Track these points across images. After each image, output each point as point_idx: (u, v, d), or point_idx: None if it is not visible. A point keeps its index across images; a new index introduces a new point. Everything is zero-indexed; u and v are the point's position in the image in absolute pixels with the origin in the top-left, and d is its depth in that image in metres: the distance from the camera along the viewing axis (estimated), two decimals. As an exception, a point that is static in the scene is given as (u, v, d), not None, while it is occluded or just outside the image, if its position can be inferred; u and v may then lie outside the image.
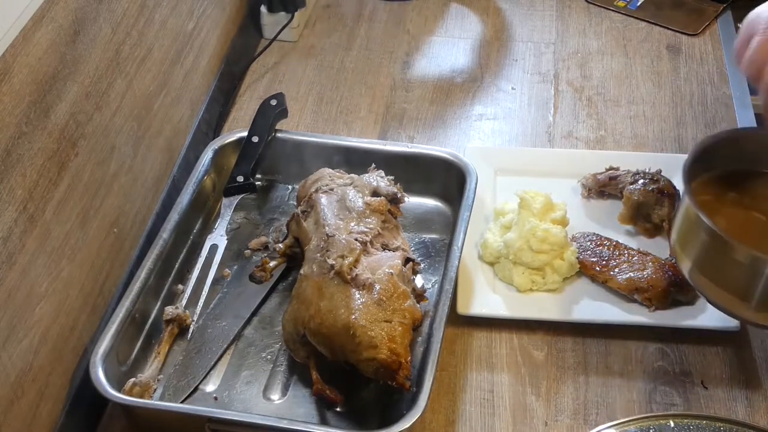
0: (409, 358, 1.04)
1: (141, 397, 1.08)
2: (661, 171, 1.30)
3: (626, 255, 1.22)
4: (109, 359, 1.07)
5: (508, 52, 1.65)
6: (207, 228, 1.30)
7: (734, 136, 1.14)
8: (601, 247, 1.24)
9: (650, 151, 1.41)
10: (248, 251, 1.27)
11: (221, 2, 1.53)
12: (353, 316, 1.04)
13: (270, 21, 1.64)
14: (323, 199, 1.18)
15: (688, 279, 1.09)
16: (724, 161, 1.10)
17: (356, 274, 1.07)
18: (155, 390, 1.11)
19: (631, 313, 1.18)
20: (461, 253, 1.18)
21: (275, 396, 1.11)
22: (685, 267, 1.08)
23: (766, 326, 1.11)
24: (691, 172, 1.05)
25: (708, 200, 1.06)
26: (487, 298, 1.21)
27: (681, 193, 1.05)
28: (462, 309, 1.18)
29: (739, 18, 1.70)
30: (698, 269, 1.06)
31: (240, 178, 1.30)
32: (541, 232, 1.21)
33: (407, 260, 1.14)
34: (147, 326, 1.17)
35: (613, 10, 1.72)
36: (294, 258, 1.22)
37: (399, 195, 1.21)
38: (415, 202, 1.30)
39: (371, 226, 1.15)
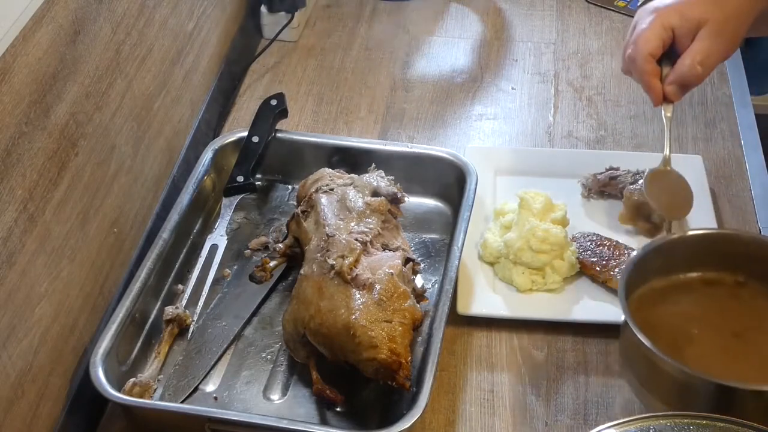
0: (410, 358, 1.04)
1: (141, 397, 1.08)
2: (661, 171, 1.30)
3: (626, 255, 1.22)
4: (109, 359, 1.07)
5: (508, 52, 1.65)
6: (207, 228, 1.30)
7: (659, 245, 1.10)
8: (601, 247, 1.24)
9: (650, 151, 1.41)
10: (248, 251, 1.27)
11: (221, 2, 1.53)
12: (353, 316, 1.04)
13: (270, 21, 1.64)
14: (323, 199, 1.18)
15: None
16: (656, 271, 1.08)
17: (356, 274, 1.07)
18: (155, 390, 1.11)
19: (631, 313, 1.18)
20: (461, 253, 1.18)
21: (275, 396, 1.11)
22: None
23: None
24: (628, 287, 1.03)
25: (645, 315, 1.03)
26: (487, 298, 1.21)
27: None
28: (462, 309, 1.18)
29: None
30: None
31: (240, 178, 1.30)
32: (541, 232, 1.21)
33: (407, 260, 1.14)
34: (147, 326, 1.17)
35: (613, 10, 1.72)
36: (294, 258, 1.22)
37: (399, 195, 1.21)
38: (415, 202, 1.30)
39: (371, 226, 1.15)
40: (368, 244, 1.12)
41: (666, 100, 1.16)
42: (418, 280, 1.21)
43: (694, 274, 1.09)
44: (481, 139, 1.48)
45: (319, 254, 1.11)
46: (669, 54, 1.16)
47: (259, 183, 1.36)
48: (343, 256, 1.09)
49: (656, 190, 1.22)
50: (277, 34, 1.62)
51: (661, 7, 1.15)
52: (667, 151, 1.22)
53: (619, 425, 0.96)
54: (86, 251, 1.11)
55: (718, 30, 1.12)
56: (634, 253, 1.08)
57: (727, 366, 1.01)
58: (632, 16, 1.68)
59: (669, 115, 1.17)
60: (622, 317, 1.01)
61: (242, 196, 1.31)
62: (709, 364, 0.99)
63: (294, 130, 1.42)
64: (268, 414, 1.08)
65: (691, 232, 1.11)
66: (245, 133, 1.34)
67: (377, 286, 1.07)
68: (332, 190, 1.20)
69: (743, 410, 0.93)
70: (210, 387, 1.12)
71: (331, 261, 1.09)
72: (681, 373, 0.96)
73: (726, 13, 1.12)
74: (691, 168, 1.34)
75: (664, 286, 1.08)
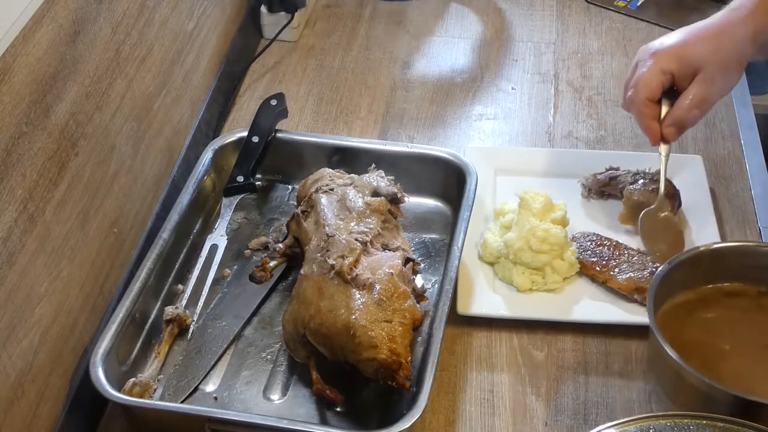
0: (410, 358, 1.04)
1: (141, 397, 1.08)
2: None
3: (626, 255, 1.23)
4: (109, 359, 1.07)
5: (508, 52, 1.65)
6: (207, 228, 1.30)
7: (683, 260, 1.09)
8: (601, 247, 1.24)
9: (650, 151, 1.41)
10: (248, 251, 1.27)
11: (221, 2, 1.53)
12: (353, 316, 1.04)
13: (270, 21, 1.64)
14: (323, 199, 1.18)
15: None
16: (680, 285, 1.08)
17: (356, 274, 1.07)
18: (155, 390, 1.11)
19: (631, 313, 1.18)
20: (461, 253, 1.18)
21: (275, 396, 1.11)
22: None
23: None
24: (655, 304, 1.03)
25: (674, 332, 1.02)
26: (487, 298, 1.21)
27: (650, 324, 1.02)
28: (462, 309, 1.18)
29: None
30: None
31: (240, 178, 1.30)
32: (541, 232, 1.21)
33: (407, 260, 1.14)
34: (147, 326, 1.17)
35: (613, 10, 1.72)
36: (294, 258, 1.22)
37: (399, 195, 1.21)
38: (415, 202, 1.30)
39: (371, 226, 1.15)
40: (368, 244, 1.12)
41: (663, 140, 1.20)
42: (418, 280, 1.21)
43: (716, 287, 1.10)
44: (481, 139, 1.48)
45: (319, 254, 1.11)
46: (669, 92, 1.19)
47: (259, 183, 1.36)
48: (343, 256, 1.09)
49: (651, 233, 1.24)
50: (277, 34, 1.62)
51: (661, 51, 1.19)
52: (662, 190, 1.23)
53: (619, 425, 0.96)
54: (86, 251, 1.11)
55: (714, 74, 1.16)
56: (660, 268, 1.07)
57: (763, 379, 1.02)
58: (632, 17, 1.70)
59: (665, 154, 1.21)
60: (649, 331, 1.01)
61: (242, 196, 1.31)
62: (744, 379, 1.00)
63: (294, 130, 1.42)
64: (268, 414, 1.08)
65: (714, 246, 1.11)
66: (245, 133, 1.34)
67: (377, 286, 1.07)
68: (332, 190, 1.20)
69: None
70: (210, 387, 1.12)
71: (331, 261, 1.09)
72: (720, 393, 0.95)
73: (723, 56, 1.16)
74: (691, 168, 1.34)
75: (688, 301, 1.08)
